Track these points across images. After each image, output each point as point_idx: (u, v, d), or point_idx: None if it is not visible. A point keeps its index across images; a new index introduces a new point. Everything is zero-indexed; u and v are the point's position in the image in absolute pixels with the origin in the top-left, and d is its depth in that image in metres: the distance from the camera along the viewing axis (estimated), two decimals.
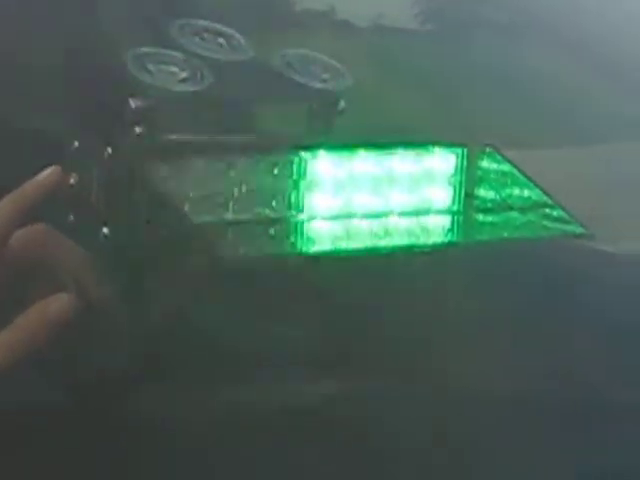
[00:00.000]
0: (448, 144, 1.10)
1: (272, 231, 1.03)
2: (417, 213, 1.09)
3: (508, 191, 1.12)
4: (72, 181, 0.99)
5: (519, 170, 1.13)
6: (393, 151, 1.08)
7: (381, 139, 1.09)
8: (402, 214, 1.08)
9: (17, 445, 0.97)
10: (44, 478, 0.98)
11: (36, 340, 0.95)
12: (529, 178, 1.12)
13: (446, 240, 1.12)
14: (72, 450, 0.99)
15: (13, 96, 1.15)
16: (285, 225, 1.04)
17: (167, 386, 1.06)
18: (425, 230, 1.10)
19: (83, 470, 0.98)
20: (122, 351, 1.02)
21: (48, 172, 0.99)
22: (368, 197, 1.06)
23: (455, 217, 1.11)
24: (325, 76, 1.12)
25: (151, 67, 1.04)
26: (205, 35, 1.09)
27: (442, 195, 1.10)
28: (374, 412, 1.10)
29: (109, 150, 0.99)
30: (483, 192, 1.12)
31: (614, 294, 1.31)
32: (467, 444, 1.11)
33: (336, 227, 1.06)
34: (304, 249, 1.06)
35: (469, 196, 1.11)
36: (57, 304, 0.96)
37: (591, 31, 1.56)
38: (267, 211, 1.03)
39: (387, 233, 1.08)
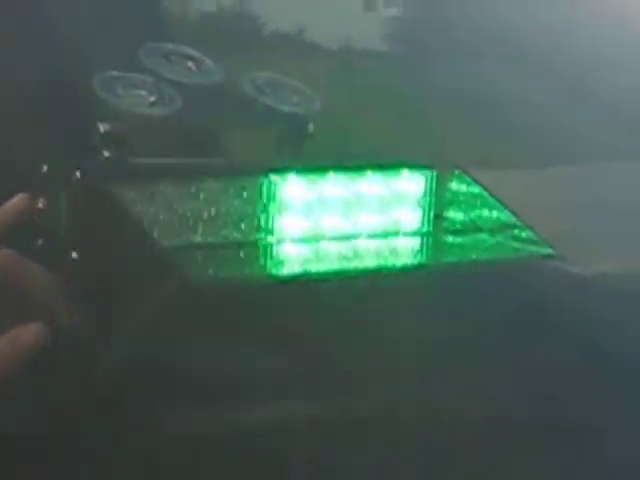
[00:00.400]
0: (417, 166, 1.10)
1: (242, 254, 1.02)
2: (386, 235, 1.08)
3: (477, 213, 1.12)
4: (40, 205, 0.99)
5: (488, 191, 1.13)
6: (362, 174, 1.07)
7: (350, 162, 1.09)
8: (371, 236, 1.07)
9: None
10: None
11: (8, 370, 0.95)
12: (498, 199, 1.12)
13: (415, 262, 1.12)
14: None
15: None
16: (255, 248, 1.03)
17: (131, 412, 1.06)
18: (394, 252, 1.10)
19: None
20: (91, 376, 1.00)
21: (16, 200, 0.99)
22: (338, 219, 1.06)
23: (424, 239, 1.10)
24: (294, 99, 1.12)
25: (119, 91, 1.03)
26: (174, 58, 1.09)
27: (411, 217, 1.09)
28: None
29: (77, 174, 0.99)
30: (452, 214, 1.11)
31: (583, 315, 1.32)
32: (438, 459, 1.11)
33: (305, 250, 1.06)
34: (274, 272, 1.06)
35: (438, 218, 1.10)
36: (27, 334, 0.95)
37: (560, 54, 1.57)
38: (236, 234, 1.02)
39: (356, 255, 1.08)
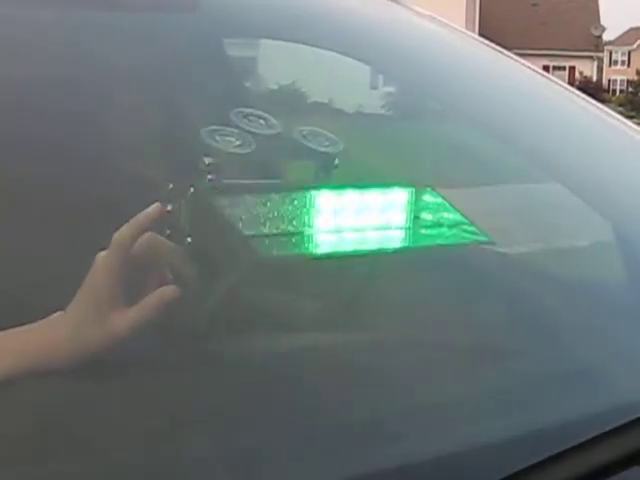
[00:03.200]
0: (403, 185, 1.12)
1: (293, 240, 1.06)
2: (384, 228, 1.10)
3: (439, 214, 1.13)
4: (168, 209, 1.00)
5: (447, 201, 1.14)
6: (369, 189, 1.09)
7: (362, 183, 1.11)
8: (374, 229, 1.09)
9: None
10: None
11: (154, 312, 0.97)
12: (453, 205, 1.14)
13: (402, 246, 1.15)
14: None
15: (135, 157, 1.15)
16: (301, 236, 1.06)
17: (227, 337, 1.06)
18: (389, 239, 1.13)
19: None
20: (202, 315, 1.02)
21: (154, 206, 1.00)
22: (353, 218, 1.08)
23: (408, 231, 1.12)
24: (326, 143, 1.12)
25: (218, 137, 1.04)
26: (251, 117, 1.09)
27: (399, 217, 1.11)
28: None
29: (191, 190, 1.01)
30: (424, 215, 1.12)
31: (507, 280, 1.33)
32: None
33: (333, 238, 1.09)
34: (313, 252, 1.09)
35: (416, 218, 1.12)
36: (169, 290, 0.97)
37: (512, 118, 1.54)
38: (290, 228, 1.05)
39: (365, 241, 1.10)
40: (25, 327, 0.95)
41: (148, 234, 0.98)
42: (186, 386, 0.97)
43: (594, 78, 53.05)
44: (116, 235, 0.97)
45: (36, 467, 0.86)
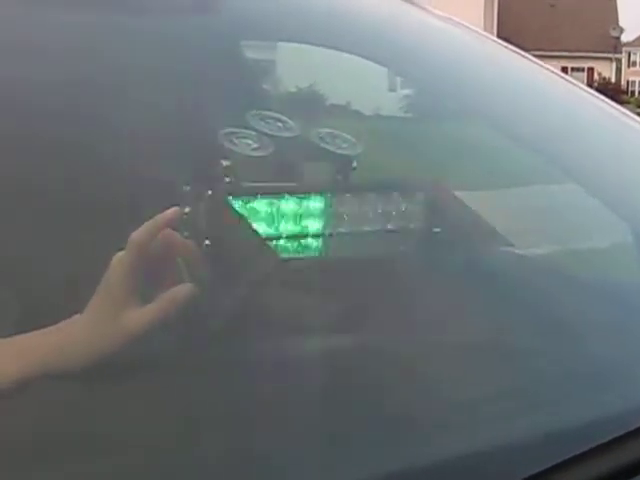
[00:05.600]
0: (421, 187, 1.13)
1: (311, 242, 1.06)
2: (402, 230, 1.10)
3: (458, 216, 1.13)
4: (186, 210, 1.00)
5: (465, 203, 1.14)
6: (387, 192, 1.10)
7: (380, 185, 1.11)
8: (392, 231, 1.10)
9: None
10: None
11: (170, 310, 0.96)
12: (471, 207, 1.13)
13: (421, 247, 1.14)
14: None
15: (153, 159, 1.16)
16: (319, 239, 1.06)
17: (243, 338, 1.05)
18: (407, 241, 1.13)
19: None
20: (219, 316, 1.01)
21: (172, 209, 0.99)
22: (371, 220, 1.08)
23: (425, 233, 1.12)
24: (344, 145, 1.12)
25: (235, 140, 1.05)
26: (269, 120, 1.10)
27: (417, 219, 1.11)
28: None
29: (209, 192, 1.01)
30: (443, 217, 1.13)
31: (525, 281, 1.32)
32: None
33: (351, 240, 1.08)
34: (332, 254, 1.09)
35: (435, 219, 1.12)
36: (185, 288, 0.97)
37: (530, 120, 1.54)
38: (308, 230, 1.05)
39: (384, 244, 1.11)
40: (45, 329, 0.95)
41: (167, 231, 0.98)
42: (201, 387, 0.97)
43: (613, 79, 52.87)
44: (132, 235, 0.97)
45: (54, 467, 0.86)
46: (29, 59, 1.21)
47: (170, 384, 0.97)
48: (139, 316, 0.95)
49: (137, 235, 0.97)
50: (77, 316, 0.96)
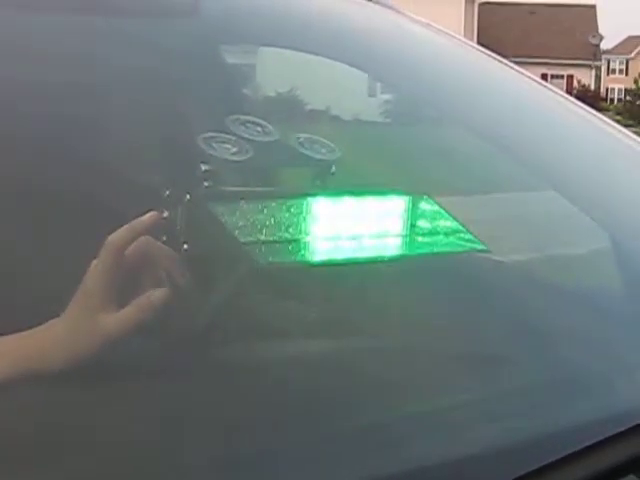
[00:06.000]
0: (400, 193, 1.12)
1: (290, 247, 1.05)
2: (380, 236, 1.10)
3: (436, 222, 1.13)
4: (165, 215, 1.00)
5: (444, 209, 1.14)
6: (366, 197, 1.10)
7: (358, 190, 1.11)
8: (371, 237, 1.09)
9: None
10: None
11: (146, 314, 0.97)
12: (449, 213, 1.13)
13: (399, 253, 1.14)
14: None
15: (132, 163, 1.15)
16: (298, 244, 1.06)
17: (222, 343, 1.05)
18: (385, 247, 1.12)
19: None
20: (198, 321, 1.01)
21: (150, 214, 0.99)
22: (350, 226, 1.07)
23: (404, 239, 1.11)
24: (323, 150, 1.12)
25: (214, 144, 1.05)
26: (248, 124, 1.10)
27: (396, 225, 1.11)
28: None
29: (188, 196, 1.00)
30: (421, 223, 1.12)
31: (503, 288, 1.32)
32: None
33: (330, 245, 1.09)
34: (310, 259, 1.09)
35: (413, 225, 1.11)
36: (158, 293, 0.97)
37: (510, 127, 1.54)
38: (287, 235, 1.05)
39: (362, 249, 1.10)
40: (25, 332, 0.95)
41: (143, 238, 0.98)
42: (180, 389, 0.97)
43: (592, 87, 53.13)
44: (109, 239, 0.97)
45: (31, 470, 0.86)
46: (5, 58, 1.21)
47: (148, 387, 0.97)
48: (114, 320, 0.95)
49: (114, 238, 0.97)
50: (56, 319, 0.96)
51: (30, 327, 0.95)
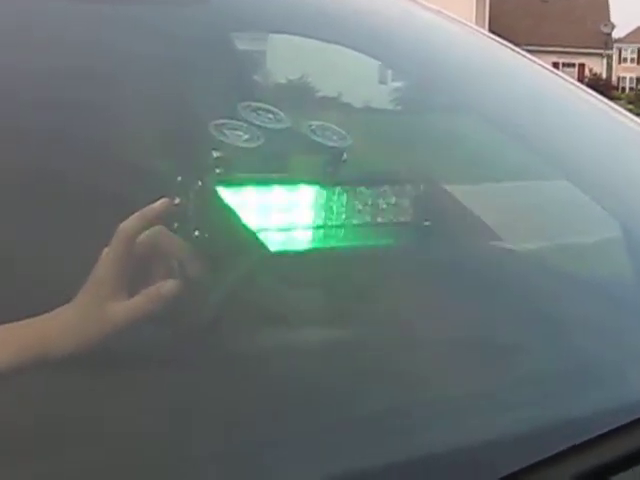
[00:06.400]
0: (411, 180, 1.12)
1: (301, 234, 1.05)
2: (392, 223, 1.10)
3: (447, 210, 1.13)
4: (177, 201, 0.99)
5: (456, 197, 1.14)
6: (378, 185, 1.09)
7: (370, 178, 1.11)
8: (383, 224, 1.09)
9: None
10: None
11: (155, 304, 0.97)
12: (461, 202, 1.13)
13: (410, 240, 1.14)
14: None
15: (143, 150, 1.15)
16: (309, 231, 1.06)
17: (233, 331, 1.05)
18: (397, 234, 1.12)
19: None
20: (208, 308, 1.01)
21: (163, 200, 0.99)
22: (361, 213, 1.08)
23: (415, 226, 1.12)
24: (334, 138, 1.12)
25: (226, 131, 1.05)
26: (260, 111, 1.09)
27: (407, 212, 1.10)
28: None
29: (199, 183, 1.01)
30: (432, 210, 1.12)
31: (514, 276, 1.32)
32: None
33: (341, 232, 1.08)
34: (321, 246, 1.09)
35: (424, 213, 1.11)
36: (168, 284, 0.97)
37: (521, 115, 1.54)
38: (298, 222, 1.05)
39: (374, 237, 1.10)
40: (33, 319, 0.95)
41: (155, 227, 0.98)
42: (189, 379, 0.97)
43: (604, 75, 52.97)
44: (121, 226, 0.97)
45: (39, 458, 0.86)
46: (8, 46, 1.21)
47: (156, 377, 0.97)
48: (124, 308, 0.96)
49: (126, 225, 0.97)
50: (65, 306, 0.96)
51: (40, 314, 0.95)
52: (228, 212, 1.02)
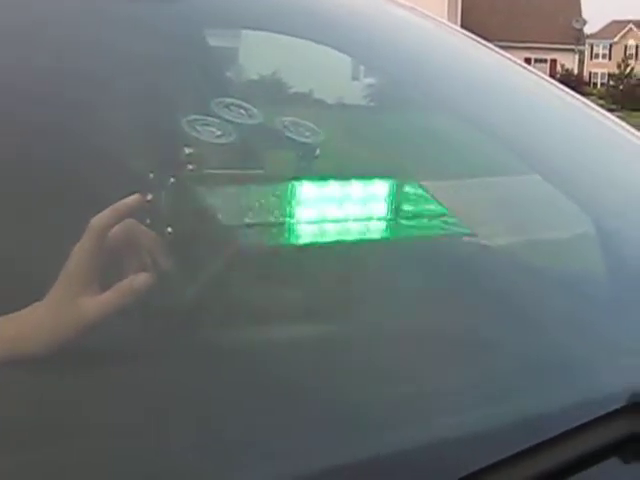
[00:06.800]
0: (384, 176, 1.11)
1: (274, 230, 1.06)
2: (365, 219, 1.10)
3: (421, 206, 1.13)
4: (149, 198, 0.99)
5: (428, 192, 1.14)
6: (350, 180, 1.09)
7: (342, 174, 1.11)
8: (355, 220, 1.09)
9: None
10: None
11: (127, 298, 0.97)
12: (434, 197, 1.13)
13: (383, 237, 1.14)
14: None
15: (116, 146, 1.15)
16: (282, 226, 1.06)
17: (207, 326, 1.05)
18: (370, 230, 1.12)
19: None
20: (182, 304, 1.01)
21: (134, 196, 0.99)
22: (334, 209, 1.07)
23: (389, 223, 1.11)
24: (307, 134, 1.12)
25: (198, 127, 1.04)
26: (232, 107, 1.09)
27: (380, 208, 1.11)
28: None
29: (172, 179, 1.01)
30: (406, 206, 1.12)
31: (488, 271, 1.33)
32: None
33: (314, 228, 1.09)
34: (294, 242, 1.09)
35: (398, 209, 1.11)
36: (141, 278, 0.97)
37: (493, 110, 1.54)
38: (271, 218, 1.05)
39: (346, 232, 1.10)
40: (5, 316, 0.95)
41: (127, 221, 0.98)
42: (162, 374, 0.97)
43: (575, 71, 53.24)
44: (92, 221, 0.97)
45: (10, 455, 0.86)
46: None
47: (130, 371, 0.97)
48: (96, 303, 0.96)
49: (97, 220, 0.97)
50: (38, 303, 0.96)
51: (12, 311, 0.95)
52: (200, 208, 1.02)
